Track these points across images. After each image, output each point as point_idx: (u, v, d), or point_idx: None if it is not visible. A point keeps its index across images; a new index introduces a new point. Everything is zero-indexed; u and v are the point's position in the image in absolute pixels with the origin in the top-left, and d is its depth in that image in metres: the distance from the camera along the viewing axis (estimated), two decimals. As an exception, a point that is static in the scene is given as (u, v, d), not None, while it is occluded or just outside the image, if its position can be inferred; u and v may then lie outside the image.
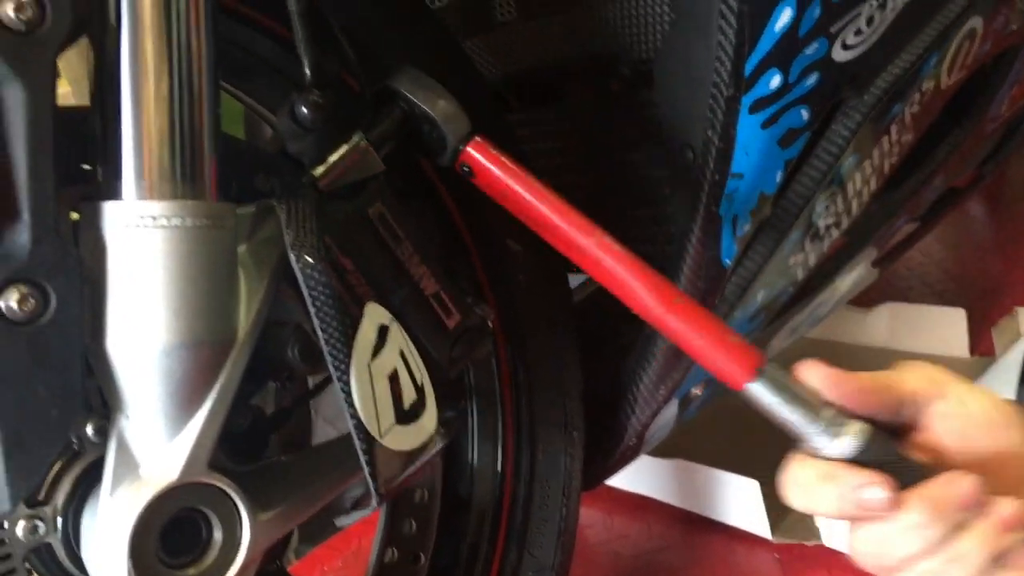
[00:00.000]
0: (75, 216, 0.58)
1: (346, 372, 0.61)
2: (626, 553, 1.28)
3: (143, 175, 0.55)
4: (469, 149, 0.68)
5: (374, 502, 0.64)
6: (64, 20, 0.51)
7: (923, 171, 1.14)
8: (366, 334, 0.63)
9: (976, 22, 0.97)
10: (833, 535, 1.17)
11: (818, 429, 0.59)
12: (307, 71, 0.65)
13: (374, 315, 0.65)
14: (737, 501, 1.25)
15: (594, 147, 0.99)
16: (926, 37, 0.91)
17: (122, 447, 0.58)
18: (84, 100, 0.58)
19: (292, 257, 0.60)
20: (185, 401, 0.58)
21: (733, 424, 1.39)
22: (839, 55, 0.83)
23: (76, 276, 0.54)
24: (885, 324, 1.65)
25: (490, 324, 0.74)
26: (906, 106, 0.94)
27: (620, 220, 0.80)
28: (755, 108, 0.78)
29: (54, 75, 0.52)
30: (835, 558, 1.17)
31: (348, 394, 0.61)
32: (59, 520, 0.61)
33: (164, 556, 0.59)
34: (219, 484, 0.61)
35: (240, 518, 0.62)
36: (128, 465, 0.58)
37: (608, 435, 0.97)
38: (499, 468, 0.89)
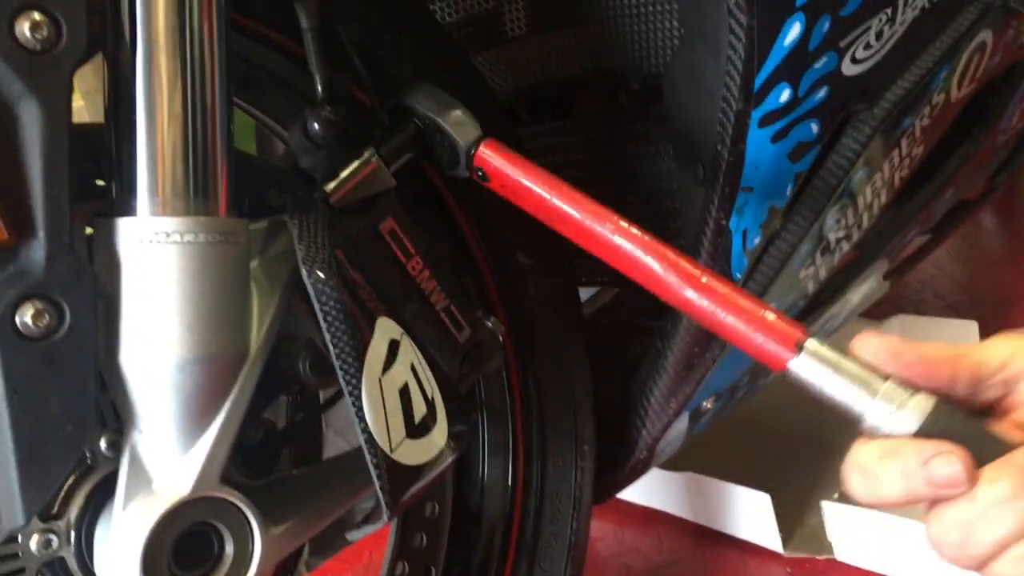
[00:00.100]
0: (89, 231, 0.58)
1: (357, 386, 0.61)
2: (637, 566, 1.28)
3: (157, 191, 0.56)
4: (482, 151, 0.68)
5: (385, 516, 0.64)
6: (79, 39, 0.52)
7: (934, 183, 1.14)
8: (377, 348, 0.64)
9: (986, 35, 0.96)
10: (845, 549, 1.17)
11: (877, 405, 0.51)
12: (319, 87, 0.65)
13: (385, 329, 0.65)
14: (748, 514, 1.24)
15: (603, 161, 0.99)
16: (936, 51, 0.91)
17: (135, 461, 0.58)
18: (98, 113, 0.58)
19: (304, 272, 0.60)
20: (198, 415, 0.59)
21: (744, 437, 1.39)
22: (849, 69, 0.83)
23: (90, 292, 0.54)
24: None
25: (500, 338, 0.74)
26: (916, 119, 0.94)
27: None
28: (765, 122, 0.78)
29: (69, 93, 0.53)
30: (847, 572, 1.16)
31: (359, 408, 0.61)
32: (72, 534, 0.61)
33: (176, 570, 0.60)
34: (231, 498, 0.61)
35: (252, 532, 0.62)
36: (141, 479, 0.58)
37: (619, 449, 0.97)
38: (510, 482, 0.89)
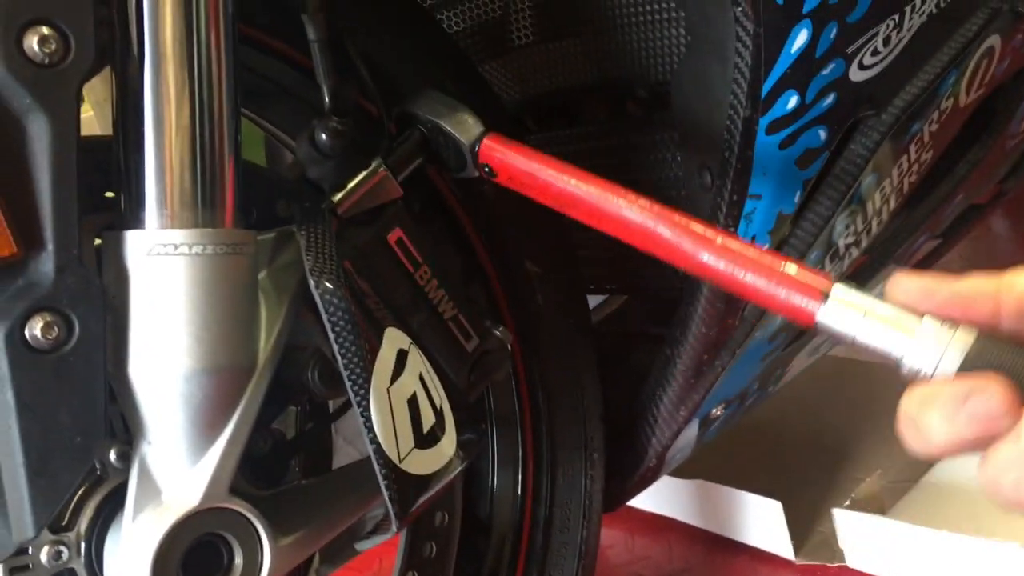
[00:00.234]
0: (98, 243, 0.58)
1: (365, 396, 0.61)
2: (648, 574, 1.27)
3: (165, 203, 0.56)
4: (486, 144, 0.68)
5: (394, 526, 0.64)
6: (87, 53, 0.52)
7: (944, 188, 1.13)
8: (385, 358, 0.64)
9: (994, 40, 0.96)
10: (857, 556, 1.16)
11: (914, 346, 0.47)
12: (327, 98, 0.66)
13: (393, 339, 0.65)
14: (759, 522, 1.24)
15: (611, 169, 0.99)
16: (944, 56, 0.91)
17: (144, 472, 0.58)
18: (107, 122, 0.59)
19: (312, 282, 0.60)
20: (206, 426, 0.59)
21: (755, 444, 1.39)
22: (856, 75, 0.82)
23: (99, 304, 0.54)
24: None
25: (509, 347, 0.74)
26: (925, 124, 0.94)
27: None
28: (772, 129, 0.78)
29: (78, 106, 0.53)
30: (859, 580, 1.16)
31: (367, 418, 0.61)
32: (82, 545, 0.61)
33: (186, 581, 0.60)
34: (240, 509, 0.61)
35: (261, 543, 0.62)
36: (150, 490, 0.58)
37: (628, 457, 0.96)
38: (519, 491, 0.89)
